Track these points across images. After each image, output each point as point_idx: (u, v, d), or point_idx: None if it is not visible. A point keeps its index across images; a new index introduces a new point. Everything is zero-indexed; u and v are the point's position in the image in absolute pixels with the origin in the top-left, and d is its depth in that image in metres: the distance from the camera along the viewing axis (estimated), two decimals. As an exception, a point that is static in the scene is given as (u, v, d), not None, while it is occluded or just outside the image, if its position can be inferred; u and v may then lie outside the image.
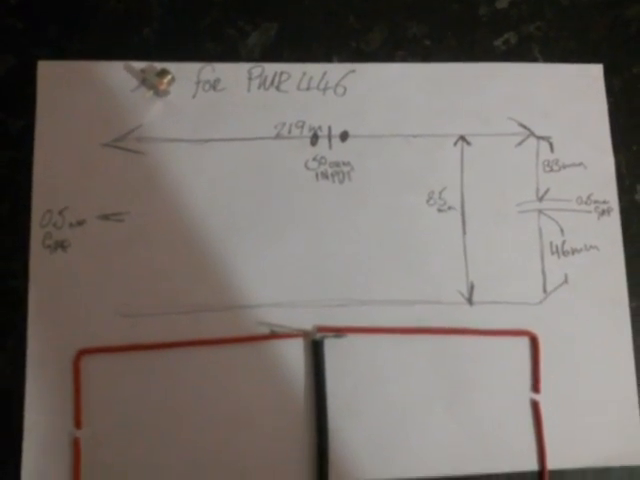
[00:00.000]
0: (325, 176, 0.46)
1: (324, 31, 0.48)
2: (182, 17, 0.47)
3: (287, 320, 0.43)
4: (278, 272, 0.44)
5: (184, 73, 0.46)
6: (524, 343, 0.44)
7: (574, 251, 0.46)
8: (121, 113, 0.45)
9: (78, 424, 0.41)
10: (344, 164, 0.46)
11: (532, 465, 0.43)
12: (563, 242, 0.46)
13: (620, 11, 0.51)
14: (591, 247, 0.46)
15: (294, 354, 0.43)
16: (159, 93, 0.45)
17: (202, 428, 0.41)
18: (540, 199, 0.46)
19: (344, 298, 0.44)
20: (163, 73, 0.45)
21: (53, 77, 0.45)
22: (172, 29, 0.47)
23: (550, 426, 0.43)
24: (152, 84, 0.45)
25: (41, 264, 0.42)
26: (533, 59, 0.49)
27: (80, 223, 0.43)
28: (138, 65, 0.46)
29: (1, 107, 0.44)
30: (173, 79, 0.45)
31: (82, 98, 0.45)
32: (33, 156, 0.44)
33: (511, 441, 0.43)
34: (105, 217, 0.44)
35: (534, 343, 0.44)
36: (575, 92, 0.48)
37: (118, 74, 0.45)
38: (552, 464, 0.42)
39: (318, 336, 0.43)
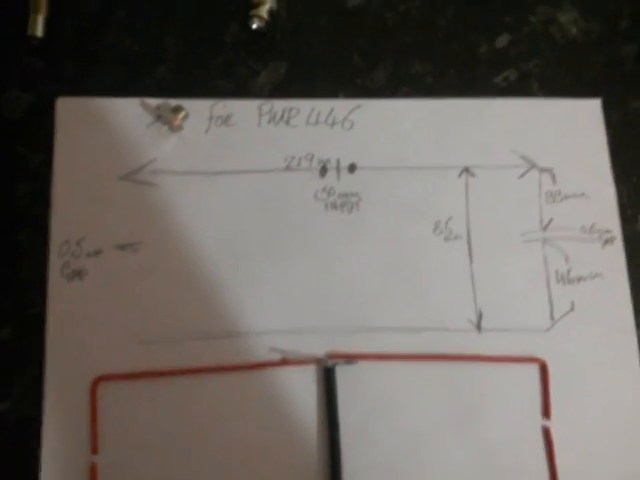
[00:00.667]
0: (334, 206, 0.50)
1: (331, 69, 0.53)
2: (195, 56, 0.53)
3: (298, 347, 0.47)
4: (289, 299, 0.48)
5: (197, 109, 0.51)
6: (533, 370, 0.47)
7: (579, 279, 0.50)
8: (136, 147, 0.50)
9: (95, 450, 0.43)
10: (352, 195, 0.50)
11: (545, 492, 0.46)
12: (568, 270, 0.50)
13: (615, 49, 0.57)
14: (596, 275, 0.50)
15: (306, 381, 0.46)
16: (173, 128, 0.50)
17: (216, 454, 0.44)
18: (544, 229, 0.51)
19: (355, 325, 0.48)
20: (177, 109, 0.50)
21: (71, 113, 0.50)
22: (186, 67, 0.52)
23: (562, 452, 0.46)
24: (167, 120, 0.50)
25: (59, 293, 0.46)
26: (532, 95, 0.54)
27: (97, 253, 0.47)
28: (153, 102, 0.51)
29: (21, 142, 0.49)
30: (187, 115, 0.50)
31: (99, 133, 0.50)
32: (51, 188, 0.48)
33: (523, 467, 0.46)
34: (121, 247, 0.48)
35: (543, 370, 0.47)
36: (575, 125, 0.53)
37: (134, 110, 0.50)
38: (565, 490, 0.46)
39: (330, 363, 0.46)
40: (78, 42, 0.52)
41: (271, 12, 0.52)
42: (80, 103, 0.50)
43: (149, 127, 0.50)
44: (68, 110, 0.50)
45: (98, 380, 0.44)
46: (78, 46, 0.52)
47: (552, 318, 0.49)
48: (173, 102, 0.50)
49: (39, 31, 0.51)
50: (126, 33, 0.52)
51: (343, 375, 0.46)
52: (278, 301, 0.48)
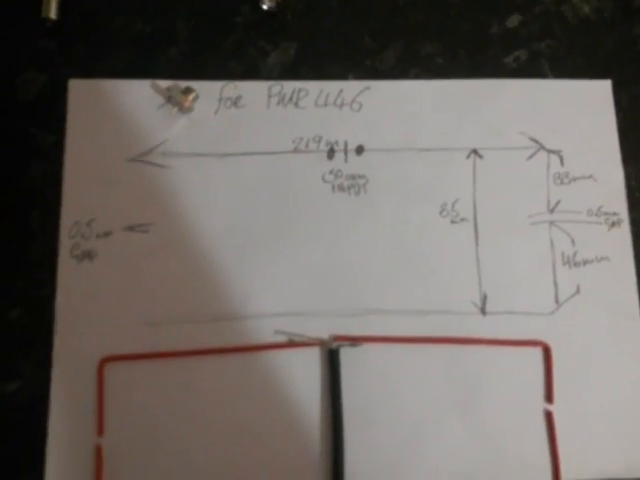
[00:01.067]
0: (341, 189, 0.41)
1: (340, 50, 0.44)
2: (206, 38, 0.43)
3: (304, 329, 0.39)
4: (295, 282, 0.40)
5: (207, 91, 0.42)
6: (537, 353, 0.39)
7: (585, 262, 0.41)
8: (147, 129, 0.41)
9: (100, 431, 0.36)
10: (359, 177, 0.42)
11: (546, 476, 0.37)
12: (574, 253, 0.41)
13: (627, 29, 0.46)
14: (602, 258, 0.41)
15: (311, 362, 0.38)
16: (183, 110, 0.41)
17: (221, 434, 0.37)
18: (551, 211, 0.41)
19: (360, 308, 0.39)
20: (188, 91, 0.41)
21: (83, 95, 0.41)
22: (196, 49, 0.43)
23: (564, 436, 0.38)
24: (177, 101, 0.41)
25: (69, 274, 0.38)
26: (543, 75, 0.44)
27: (107, 234, 0.39)
28: (164, 84, 0.42)
29: (34, 123, 0.41)
30: (197, 96, 0.41)
31: (110, 115, 0.41)
32: (63, 170, 0.40)
33: (525, 451, 0.38)
34: (130, 228, 0.40)
35: (547, 353, 0.39)
36: (584, 107, 0.43)
37: (145, 92, 0.42)
38: (566, 475, 0.37)
39: (334, 345, 0.38)
40: (91, 24, 0.43)
41: (281, -8, 0.43)
42: (92, 85, 0.42)
43: (160, 109, 0.41)
44: (80, 92, 0.41)
45: (104, 361, 0.37)
46: (91, 28, 0.43)
47: (557, 301, 0.40)
48: (183, 84, 0.42)
49: (53, 13, 0.42)
50: (138, 15, 0.43)
51: (347, 357, 0.38)
52: (284, 283, 0.39)
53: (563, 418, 0.38)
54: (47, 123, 0.41)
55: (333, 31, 0.44)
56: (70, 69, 0.42)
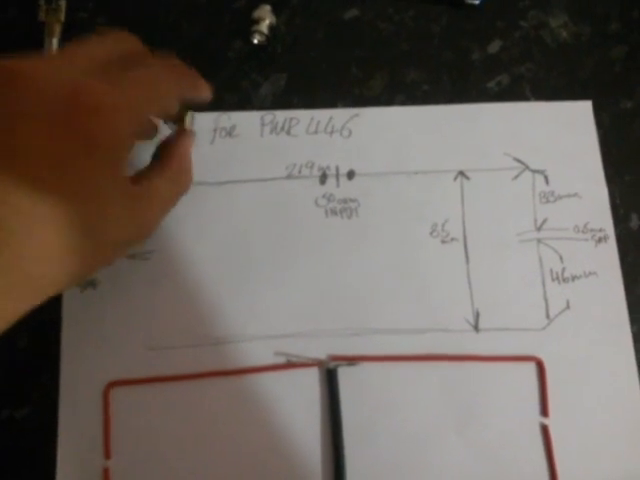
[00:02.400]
0: (334, 212, 0.43)
1: (329, 80, 0.46)
2: (201, 72, 0.45)
3: (302, 350, 0.40)
4: (293, 304, 0.41)
5: (203, 122, 0.44)
6: (531, 368, 0.40)
7: (574, 277, 0.42)
8: (145, 160, 0.43)
9: (107, 454, 0.38)
10: (351, 200, 0.43)
11: (544, 488, 0.39)
12: (563, 269, 0.42)
13: (604, 52, 0.48)
14: (590, 273, 0.42)
15: (310, 382, 0.39)
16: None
17: (224, 455, 0.38)
18: (538, 229, 0.43)
19: (355, 327, 0.41)
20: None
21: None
22: (191, 83, 0.45)
23: (561, 449, 0.39)
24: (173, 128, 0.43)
25: (73, 301, 0.40)
26: (525, 98, 0.46)
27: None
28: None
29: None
30: (193, 116, 0.43)
31: (110, 148, 0.43)
32: (65, 202, 0.42)
33: (523, 464, 0.39)
34: (132, 256, 0.41)
35: (540, 368, 0.40)
36: (566, 127, 0.45)
37: (142, 125, 0.44)
38: (564, 487, 0.39)
39: (332, 365, 0.39)
40: (90, 62, 0.46)
41: (271, 27, 0.45)
42: (92, 120, 0.44)
43: (158, 140, 0.44)
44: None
45: (110, 385, 0.38)
46: (90, 66, 0.46)
47: (548, 317, 0.41)
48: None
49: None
50: (135, 52, 0.46)
51: (345, 376, 0.39)
52: (282, 306, 0.41)
53: (559, 431, 0.39)
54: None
55: (321, 62, 0.47)
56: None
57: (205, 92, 0.38)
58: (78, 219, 0.28)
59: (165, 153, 0.37)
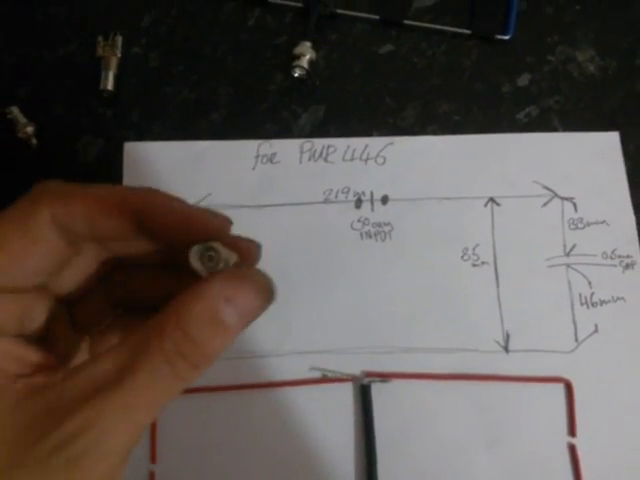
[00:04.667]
0: (369, 235, 0.46)
1: (365, 110, 0.50)
2: (244, 103, 0.50)
3: (336, 366, 0.43)
4: (328, 322, 0.44)
5: (245, 149, 0.48)
6: (559, 389, 0.42)
7: (602, 302, 0.44)
8: (193, 184, 0.47)
9: (153, 459, 0.41)
10: (385, 224, 0.46)
11: (573, 508, 0.40)
12: (591, 294, 0.44)
13: (631, 84, 0.51)
14: (618, 298, 0.44)
15: (344, 397, 0.42)
16: None
17: (260, 465, 0.41)
18: (567, 254, 0.45)
19: (388, 346, 0.43)
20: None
21: (137, 156, 0.48)
22: (236, 113, 0.49)
23: (588, 469, 0.40)
24: (218, 160, 0.47)
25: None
26: (553, 129, 0.49)
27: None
28: (207, 144, 0.48)
29: (93, 182, 0.47)
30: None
31: (161, 173, 0.47)
32: (118, 223, 0.46)
33: (551, 484, 0.41)
34: (177, 274, 0.45)
35: (568, 389, 0.42)
36: (594, 157, 0.48)
37: (190, 151, 0.47)
38: (593, 508, 0.40)
39: (366, 381, 0.42)
40: (142, 94, 0.50)
41: (311, 62, 0.49)
42: (144, 147, 0.48)
43: (205, 166, 0.47)
44: (134, 153, 0.48)
45: (157, 395, 0.42)
46: (143, 97, 0.50)
47: (577, 340, 0.43)
48: (225, 144, 0.48)
49: (110, 85, 0.49)
50: (183, 85, 0.50)
51: (378, 393, 0.42)
52: (319, 323, 0.44)
53: (587, 451, 0.41)
54: (105, 182, 0.47)
55: (357, 94, 0.50)
56: (125, 133, 0.49)
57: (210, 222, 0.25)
58: None
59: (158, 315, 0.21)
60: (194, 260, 0.23)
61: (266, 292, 0.24)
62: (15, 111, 0.48)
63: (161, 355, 0.20)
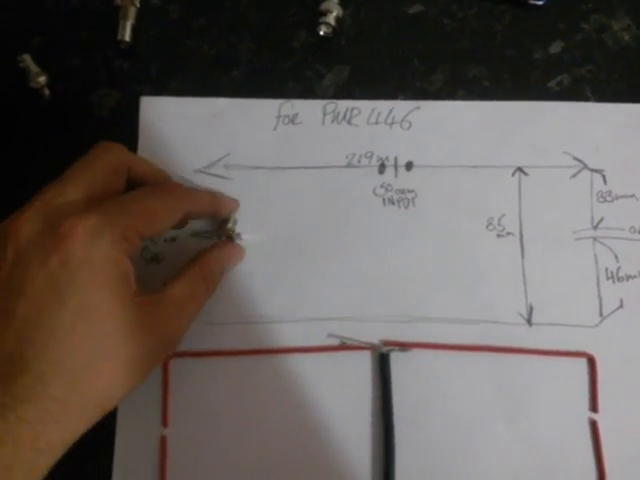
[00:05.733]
0: (391, 202, 0.44)
1: (391, 73, 0.47)
2: (265, 61, 0.47)
3: (354, 333, 0.41)
4: (348, 289, 0.42)
5: (266, 108, 0.45)
6: (582, 364, 0.41)
7: (628, 277, 0.42)
8: (211, 143, 0.45)
9: (165, 423, 0.39)
10: (409, 191, 0.44)
11: (592, 483, 0.39)
12: (618, 268, 0.43)
13: (666, 56, 0.48)
14: (645, 274, 0.43)
15: (362, 365, 0.41)
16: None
17: (275, 431, 0.39)
18: (595, 227, 0.43)
19: (408, 315, 0.42)
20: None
21: (153, 111, 0.45)
22: (257, 71, 0.47)
23: (609, 445, 0.39)
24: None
25: (138, 274, 0.41)
26: (585, 99, 0.47)
27: (173, 239, 0.42)
28: (227, 101, 0.45)
29: (108, 136, 0.44)
30: (235, 224, 0.42)
31: (178, 130, 0.45)
32: (134, 179, 0.44)
33: (570, 458, 0.39)
34: (195, 234, 0.43)
35: (591, 364, 0.40)
36: (625, 129, 0.46)
37: (209, 108, 0.45)
38: (612, 482, 0.39)
39: (385, 349, 0.40)
40: (161, 47, 0.47)
41: (337, 19, 0.46)
42: (162, 102, 0.45)
43: (224, 124, 0.45)
44: (151, 108, 0.45)
45: (170, 356, 0.40)
46: (161, 51, 0.47)
47: (601, 314, 0.42)
48: (246, 101, 0.45)
49: (127, 36, 0.46)
50: (204, 39, 0.47)
51: (397, 362, 0.40)
52: (337, 290, 0.42)
53: (608, 427, 0.40)
54: (120, 137, 0.44)
55: (384, 55, 0.48)
56: (142, 87, 0.46)
57: (222, 210, 0.41)
58: (85, 342, 0.31)
59: (191, 260, 0.39)
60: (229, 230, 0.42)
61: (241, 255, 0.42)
62: (27, 59, 0.46)
63: (200, 276, 0.38)
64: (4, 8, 0.48)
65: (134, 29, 0.47)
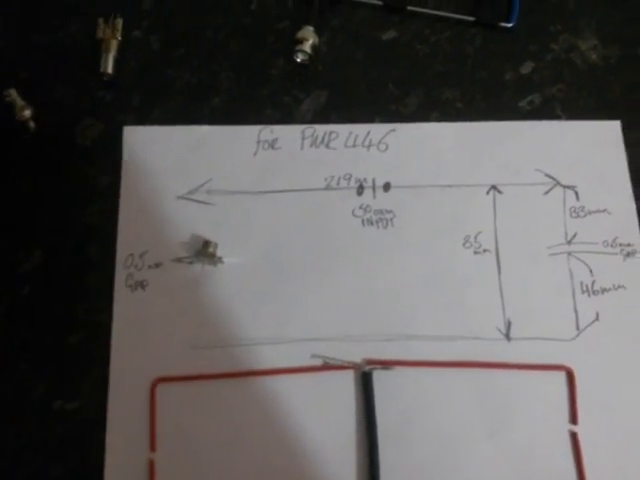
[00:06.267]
0: (370, 222, 0.45)
1: (367, 97, 0.48)
2: (245, 88, 0.48)
3: (338, 353, 0.42)
4: (330, 309, 0.43)
5: (247, 134, 0.46)
6: (560, 377, 0.41)
7: (603, 290, 0.43)
8: (193, 169, 0.45)
9: (153, 447, 0.39)
10: (387, 212, 0.45)
11: (573, 495, 0.39)
12: (593, 282, 0.43)
13: (633, 74, 0.49)
14: (619, 287, 0.43)
15: (345, 385, 0.41)
16: (213, 262, 0.43)
17: (262, 451, 0.39)
18: (569, 242, 0.44)
19: (390, 333, 0.42)
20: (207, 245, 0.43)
21: (136, 140, 0.46)
22: (237, 98, 0.48)
23: (590, 456, 0.39)
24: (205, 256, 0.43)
25: (123, 301, 0.42)
26: (556, 117, 0.48)
27: (157, 265, 0.43)
28: (208, 128, 0.46)
29: (92, 166, 0.45)
30: (216, 245, 0.43)
31: (161, 157, 0.45)
32: (119, 207, 0.44)
33: (552, 470, 0.39)
34: (179, 260, 0.43)
35: (570, 376, 0.41)
36: (596, 146, 0.47)
37: (191, 136, 0.46)
38: (593, 494, 0.39)
39: (367, 368, 0.41)
40: (143, 77, 0.48)
41: (313, 46, 0.47)
42: (144, 131, 0.46)
43: (206, 151, 0.46)
44: (133, 137, 0.46)
45: (157, 381, 0.40)
46: (143, 81, 0.48)
47: (578, 328, 0.42)
48: (226, 129, 0.46)
49: (109, 68, 0.47)
50: (185, 69, 0.48)
51: (380, 380, 0.41)
52: (320, 310, 0.42)
53: (588, 439, 0.40)
54: (104, 166, 0.45)
55: (360, 80, 0.49)
56: (125, 117, 0.47)
57: None
58: None
59: None
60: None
61: None
62: (13, 94, 0.47)
63: None
64: (-11, 43, 0.49)
65: (116, 61, 0.48)
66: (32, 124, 0.46)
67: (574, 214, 0.45)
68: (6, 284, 0.43)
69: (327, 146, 0.47)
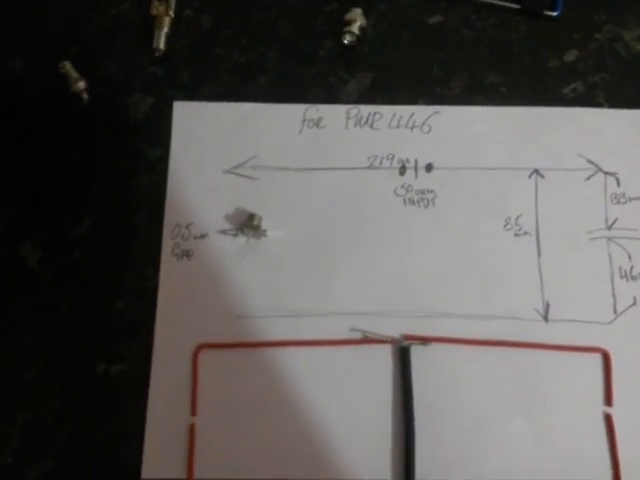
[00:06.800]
0: (412, 202, 0.45)
1: (412, 79, 0.48)
2: (292, 68, 0.49)
3: (376, 328, 0.42)
4: (370, 285, 0.43)
5: (292, 113, 0.47)
6: (596, 359, 0.41)
7: (642, 276, 0.43)
8: (240, 145, 0.46)
9: (194, 411, 0.40)
10: (428, 192, 0.45)
11: (606, 476, 0.39)
12: (631, 267, 0.43)
13: (677, 65, 0.49)
14: (657, 273, 0.43)
15: (383, 358, 0.41)
16: (257, 235, 0.44)
17: (300, 420, 0.40)
18: (609, 228, 0.44)
19: (429, 310, 0.43)
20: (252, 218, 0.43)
21: (185, 115, 0.47)
22: (284, 77, 0.48)
23: (623, 438, 0.40)
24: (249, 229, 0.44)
25: (170, 270, 0.43)
26: (599, 105, 0.47)
27: (203, 236, 0.44)
28: (255, 106, 0.47)
29: (142, 139, 0.46)
30: (261, 218, 0.43)
31: (209, 132, 0.46)
32: (167, 179, 0.45)
33: (585, 450, 0.40)
34: (223, 232, 0.44)
35: (606, 359, 0.41)
36: (637, 134, 0.46)
37: (238, 113, 0.47)
38: (626, 476, 0.39)
39: (405, 343, 0.41)
40: (193, 55, 0.49)
41: (361, 28, 0.48)
42: (193, 106, 0.47)
43: (252, 127, 0.46)
44: (183, 112, 0.47)
45: (199, 348, 0.41)
46: (193, 58, 0.49)
47: (615, 311, 0.42)
48: (272, 106, 0.47)
49: (162, 44, 0.48)
50: (233, 48, 0.49)
51: (417, 355, 0.41)
52: (359, 286, 0.43)
53: (622, 421, 0.40)
54: (154, 139, 0.46)
55: (405, 62, 0.49)
56: (175, 92, 0.48)
57: None
58: None
59: None
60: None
61: None
62: (67, 65, 0.48)
63: None
64: (45, 18, 0.50)
65: (168, 38, 0.49)
66: (85, 96, 0.48)
67: (615, 200, 0.45)
68: (56, 249, 0.44)
69: (371, 126, 0.47)
